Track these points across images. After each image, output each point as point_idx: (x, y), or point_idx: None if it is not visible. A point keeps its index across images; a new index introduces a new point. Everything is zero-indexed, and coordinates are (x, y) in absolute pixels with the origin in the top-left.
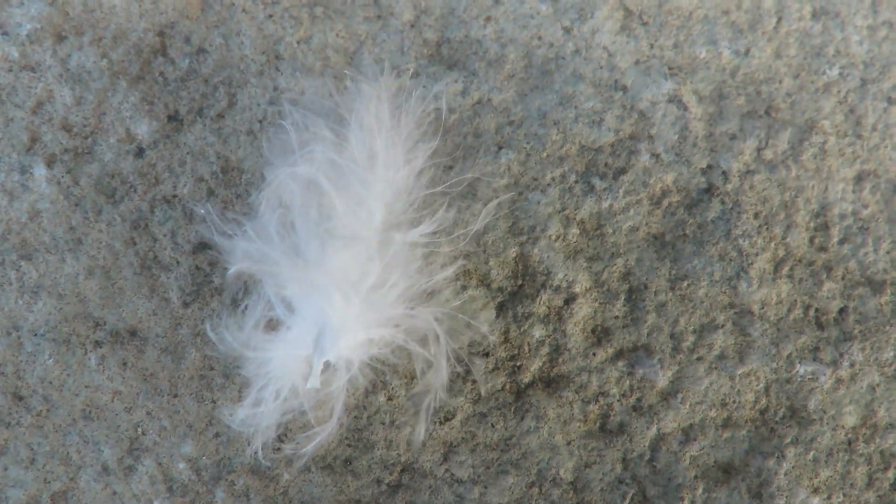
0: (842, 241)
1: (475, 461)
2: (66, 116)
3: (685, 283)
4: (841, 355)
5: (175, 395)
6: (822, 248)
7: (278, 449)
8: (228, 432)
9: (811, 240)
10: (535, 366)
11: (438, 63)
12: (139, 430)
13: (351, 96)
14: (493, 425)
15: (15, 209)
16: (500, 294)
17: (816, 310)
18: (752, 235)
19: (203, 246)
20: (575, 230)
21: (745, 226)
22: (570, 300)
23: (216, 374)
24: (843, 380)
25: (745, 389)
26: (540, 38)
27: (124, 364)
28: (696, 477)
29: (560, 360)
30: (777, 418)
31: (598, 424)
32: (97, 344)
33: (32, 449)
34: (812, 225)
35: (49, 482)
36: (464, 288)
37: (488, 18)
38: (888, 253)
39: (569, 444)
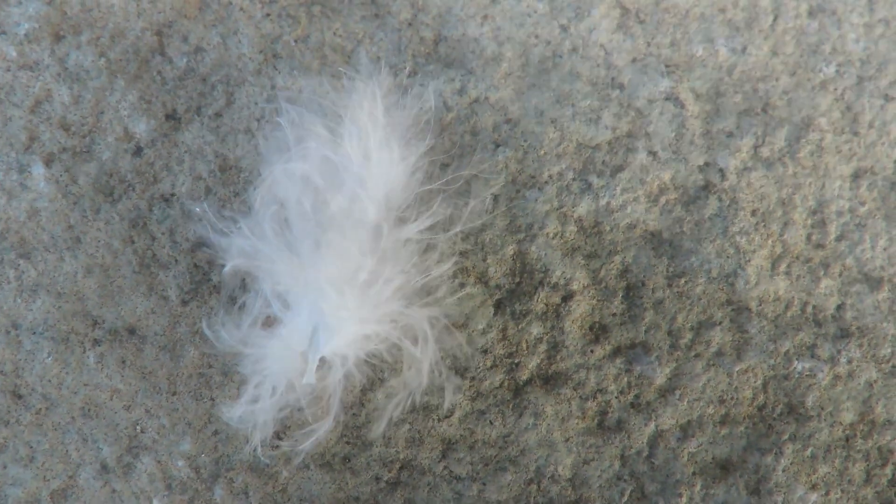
0: (839, 238)
1: (473, 458)
2: (64, 115)
3: (683, 281)
4: (838, 352)
5: (174, 393)
6: (820, 245)
7: (276, 446)
8: (227, 430)
9: (808, 237)
10: (533, 363)
11: (436, 61)
12: (138, 427)
13: (347, 94)
14: (491, 422)
15: (13, 208)
16: (498, 291)
17: (814, 306)
18: (750, 232)
19: (201, 244)
20: (572, 227)
21: (743, 223)
22: (567, 297)
23: (215, 372)
24: (841, 376)
25: (743, 386)
26: (537, 37)
27: (123, 362)
28: (694, 473)
29: (558, 357)
30: (775, 415)
31: (596, 421)
32: (96, 342)
33: (31, 447)
34: (809, 222)
35: (48, 480)
36: (461, 285)
37: (485, 17)
38: (885, 250)
39: (567, 441)
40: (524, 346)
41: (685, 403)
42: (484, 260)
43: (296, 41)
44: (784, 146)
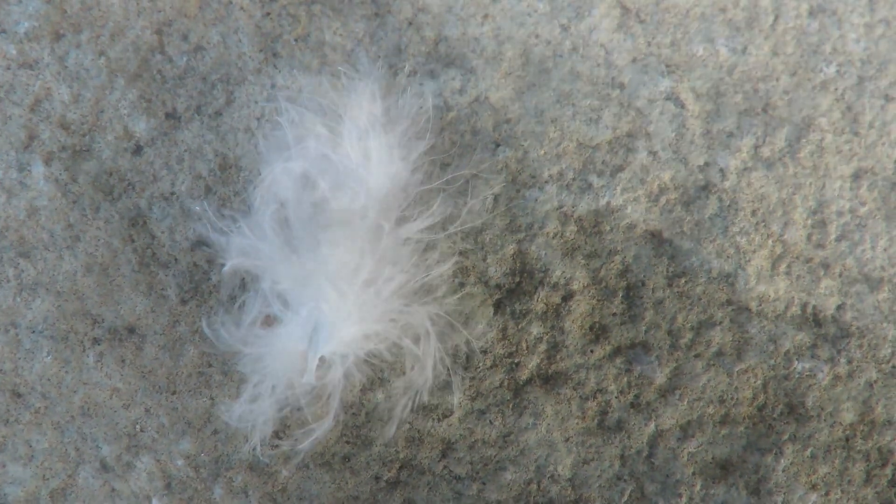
0: (839, 239)
1: (473, 458)
2: (63, 114)
3: (683, 280)
4: (838, 352)
5: (173, 392)
6: (820, 246)
7: (276, 445)
8: (227, 429)
9: (808, 237)
10: (532, 363)
11: (436, 61)
12: (137, 427)
13: (347, 93)
14: (491, 422)
15: (13, 206)
16: (498, 291)
17: (814, 307)
18: (750, 232)
19: (201, 243)
20: (572, 227)
21: (743, 223)
22: (567, 297)
23: (214, 371)
24: (841, 376)
25: (743, 386)
26: (537, 36)
27: (122, 361)
28: (694, 473)
29: (558, 357)
30: (775, 415)
31: (596, 421)
32: (95, 341)
33: (31, 446)
34: (809, 222)
35: (48, 479)
36: (461, 285)
37: (486, 16)
38: (885, 250)
39: (567, 440)
40: (524, 345)
41: (685, 403)
42: (484, 259)
43: (296, 40)
44: (784, 146)
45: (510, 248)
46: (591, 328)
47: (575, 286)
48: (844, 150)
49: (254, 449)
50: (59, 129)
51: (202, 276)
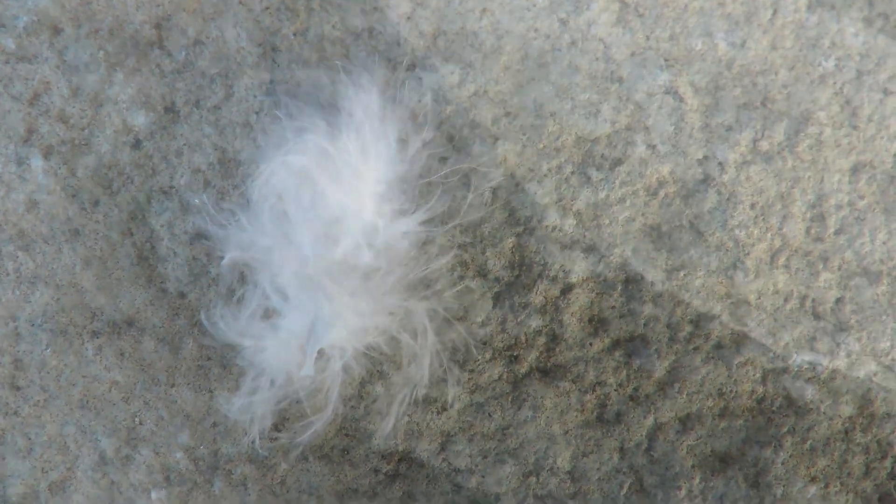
0: (838, 232)
1: (472, 450)
2: (63, 108)
3: (682, 274)
4: (837, 345)
5: (172, 385)
6: (819, 239)
7: (275, 438)
8: (226, 422)
9: (807, 230)
10: (532, 356)
11: (434, 55)
12: (136, 419)
13: (345, 87)
14: (490, 415)
15: (12, 200)
16: (497, 284)
17: (813, 300)
18: (749, 226)
19: (200, 236)
20: (571, 221)
21: (742, 216)
22: (566, 290)
23: (213, 364)
24: (840, 369)
25: (742, 379)
26: (536, 30)
27: (121, 354)
28: (693, 466)
29: (557, 350)
30: (774, 408)
31: (595, 414)
32: (94, 334)
33: (30, 439)
34: (808, 215)
35: (47, 472)
36: (460, 278)
37: (484, 10)
38: (884, 243)
39: (566, 433)
40: (523, 338)
41: (684, 396)
42: (483, 253)
43: (294, 34)
44: (783, 140)
45: (509, 242)
46: (590, 321)
47: (574, 279)
48: (843, 144)
49: (253, 442)
50: (58, 123)
51: (201, 270)
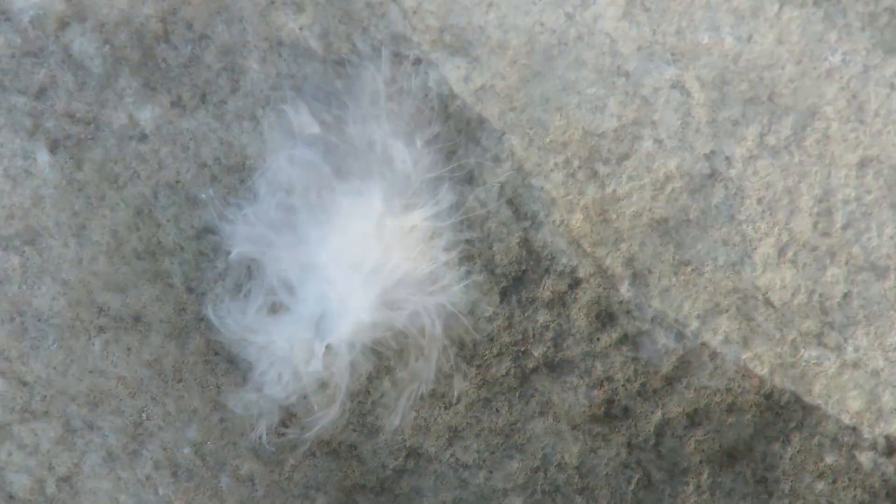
0: (845, 227)
1: (480, 446)
2: (68, 102)
3: (689, 268)
4: (845, 340)
5: (179, 381)
6: (826, 234)
7: (282, 434)
8: (233, 417)
9: (815, 225)
10: (539, 351)
11: (441, 49)
12: (144, 415)
13: (351, 82)
14: (497, 410)
15: (18, 195)
16: (504, 279)
17: (820, 295)
18: (756, 220)
19: (207, 231)
20: (578, 215)
21: (749, 211)
22: (573, 285)
23: (220, 359)
24: (848, 364)
25: (750, 374)
26: (542, 25)
27: (128, 349)
28: (701, 461)
29: (564, 345)
30: (782, 403)
31: (602, 409)
32: (101, 329)
33: (37, 434)
34: (815, 210)
35: (53, 468)
36: (467, 273)
37: (490, 5)
38: (892, 238)
39: (574, 428)
40: (531, 333)
41: (692, 392)
42: (490, 247)
43: (301, 28)
44: (790, 134)
45: (516, 237)
46: (597, 316)
47: (581, 274)
48: (850, 139)
49: (260, 437)
50: (64, 118)
51: (208, 264)
